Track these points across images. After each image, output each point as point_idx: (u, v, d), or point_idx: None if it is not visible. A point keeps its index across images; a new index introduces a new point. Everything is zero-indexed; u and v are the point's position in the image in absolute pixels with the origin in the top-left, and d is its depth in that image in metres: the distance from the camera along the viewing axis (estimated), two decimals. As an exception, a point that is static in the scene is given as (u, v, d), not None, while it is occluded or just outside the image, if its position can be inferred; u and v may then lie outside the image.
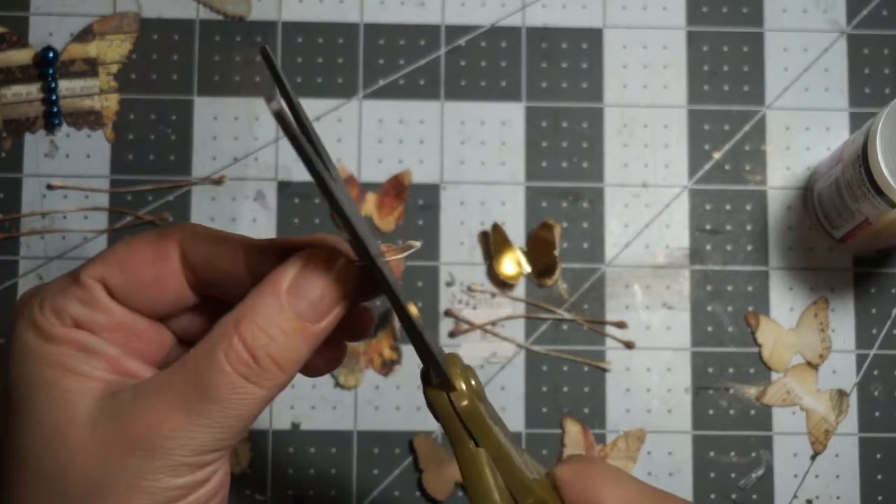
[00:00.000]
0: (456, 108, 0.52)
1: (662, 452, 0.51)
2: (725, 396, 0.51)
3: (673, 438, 0.51)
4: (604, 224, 0.52)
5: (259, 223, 0.51)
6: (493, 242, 0.51)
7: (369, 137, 0.52)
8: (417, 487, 0.50)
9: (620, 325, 0.51)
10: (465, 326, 0.51)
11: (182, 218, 0.51)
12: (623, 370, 0.51)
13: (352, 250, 0.32)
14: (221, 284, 0.33)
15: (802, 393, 0.51)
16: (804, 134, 0.53)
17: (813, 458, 0.51)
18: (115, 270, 0.32)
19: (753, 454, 0.51)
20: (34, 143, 0.52)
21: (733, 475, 0.51)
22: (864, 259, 0.52)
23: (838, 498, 0.51)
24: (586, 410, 0.51)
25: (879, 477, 0.51)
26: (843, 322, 0.52)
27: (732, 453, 0.51)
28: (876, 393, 0.51)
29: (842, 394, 0.51)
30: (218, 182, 0.52)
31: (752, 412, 0.51)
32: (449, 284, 0.51)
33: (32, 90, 0.52)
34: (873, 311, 0.52)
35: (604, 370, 0.51)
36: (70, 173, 0.52)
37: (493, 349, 0.51)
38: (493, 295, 0.51)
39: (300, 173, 0.52)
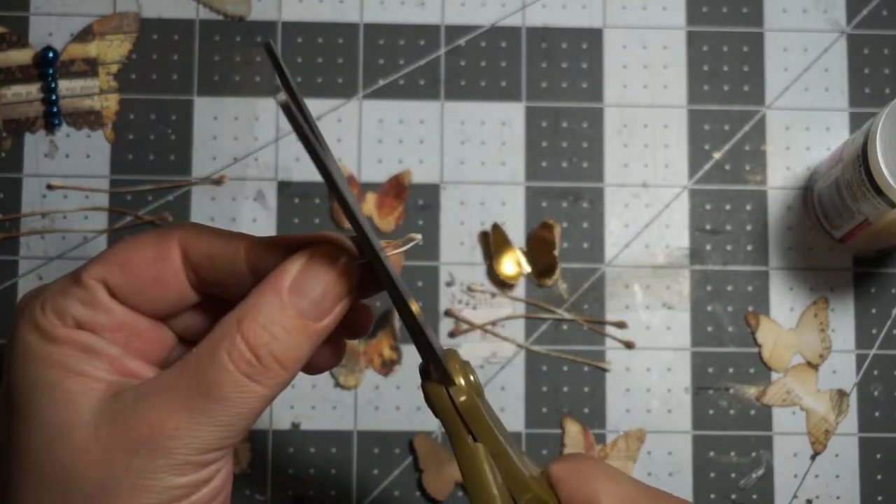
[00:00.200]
0: (456, 108, 0.52)
1: (662, 452, 0.51)
2: (725, 396, 0.51)
3: (673, 438, 0.51)
4: (604, 224, 0.52)
5: (259, 223, 0.51)
6: (493, 242, 0.51)
7: (369, 137, 0.52)
8: (417, 487, 0.50)
9: (620, 325, 0.51)
10: (465, 326, 0.51)
11: (182, 218, 0.51)
12: (623, 370, 0.51)
13: (353, 247, 0.32)
14: (223, 283, 0.33)
15: (802, 393, 0.51)
16: (804, 134, 0.53)
17: (813, 458, 0.51)
18: (115, 270, 0.32)
19: (753, 454, 0.51)
20: (34, 143, 0.52)
21: (733, 475, 0.51)
22: (864, 259, 0.52)
23: (838, 498, 0.51)
24: (586, 410, 0.51)
25: (879, 477, 0.51)
26: (843, 322, 0.52)
27: (732, 453, 0.51)
28: (876, 393, 0.51)
29: (842, 394, 0.51)
30: (218, 182, 0.52)
31: (752, 412, 0.51)
32: (449, 284, 0.51)
33: (32, 90, 0.52)
34: (873, 311, 0.52)
35: (604, 370, 0.51)
36: (70, 173, 0.52)
37: (493, 349, 0.51)
38: (493, 295, 0.51)
39: (300, 173, 0.52)
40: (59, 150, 0.52)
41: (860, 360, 0.51)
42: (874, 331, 0.51)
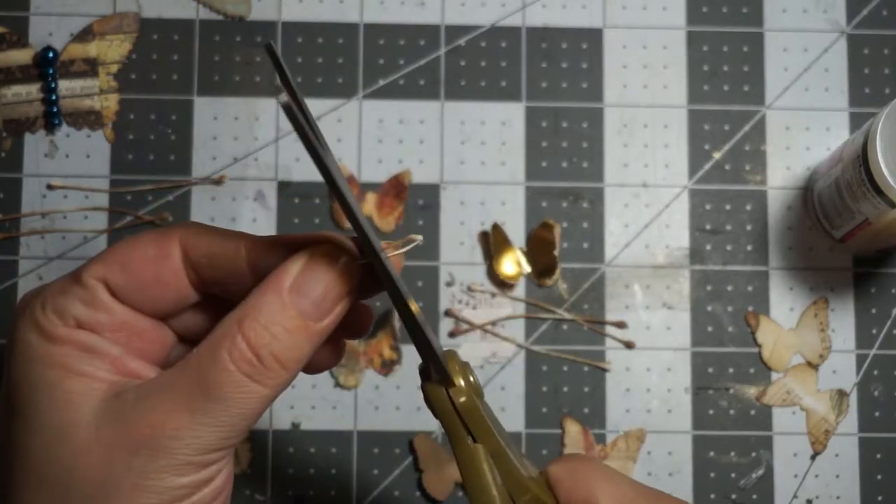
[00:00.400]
0: (456, 108, 0.52)
1: (662, 452, 0.51)
2: (725, 396, 0.51)
3: (673, 438, 0.51)
4: (604, 224, 0.52)
5: (259, 223, 0.51)
6: (493, 242, 0.51)
7: (369, 137, 0.52)
8: (417, 487, 0.50)
9: (620, 325, 0.51)
10: (465, 326, 0.51)
11: (182, 218, 0.51)
12: (623, 370, 0.51)
13: (354, 248, 0.32)
14: (224, 282, 0.33)
15: (802, 393, 0.51)
16: (804, 134, 0.53)
17: (813, 458, 0.51)
18: (116, 270, 0.32)
19: (753, 454, 0.51)
20: (34, 143, 0.52)
21: (733, 475, 0.51)
22: (864, 259, 0.52)
23: (838, 498, 0.51)
24: (586, 410, 0.51)
25: (879, 477, 0.51)
26: (843, 322, 0.52)
27: (732, 453, 0.51)
28: (876, 393, 0.51)
29: (842, 394, 0.51)
30: (218, 182, 0.52)
31: (752, 412, 0.51)
32: (449, 284, 0.51)
33: (32, 90, 0.52)
34: (873, 311, 0.52)
35: (604, 370, 0.51)
36: (70, 173, 0.52)
37: (493, 349, 0.51)
38: (493, 295, 0.51)
39: (300, 173, 0.52)
40: (59, 150, 0.52)
41: (860, 360, 0.51)
42: (874, 331, 0.51)
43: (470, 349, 0.51)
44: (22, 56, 0.52)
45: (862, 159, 0.44)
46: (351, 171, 0.52)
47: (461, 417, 0.33)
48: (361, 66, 0.53)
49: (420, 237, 0.32)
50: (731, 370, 0.51)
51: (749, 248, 0.52)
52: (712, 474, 0.51)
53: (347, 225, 0.51)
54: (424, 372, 0.34)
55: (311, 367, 0.35)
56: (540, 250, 0.52)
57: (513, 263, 0.51)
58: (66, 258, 0.51)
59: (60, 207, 0.51)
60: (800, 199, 0.52)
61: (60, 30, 0.52)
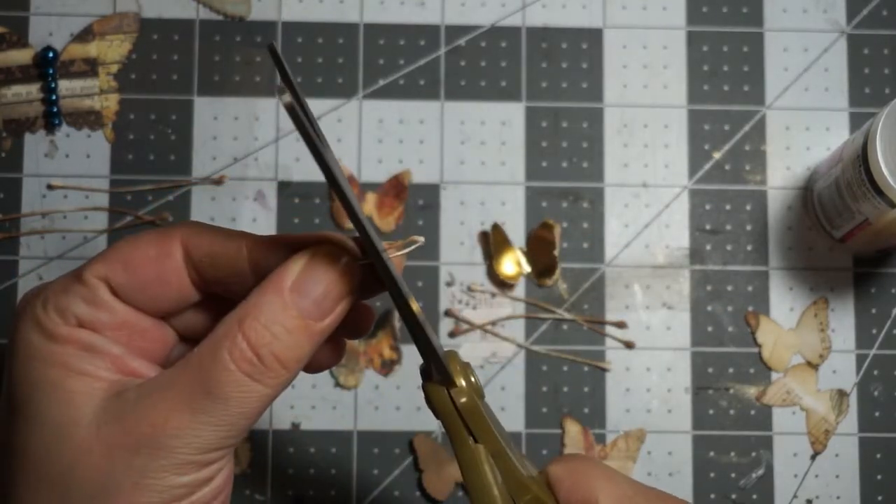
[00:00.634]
0: (456, 108, 0.52)
1: (662, 452, 0.51)
2: (725, 396, 0.51)
3: (673, 438, 0.51)
4: (604, 224, 0.52)
5: (259, 223, 0.51)
6: (493, 242, 0.51)
7: (369, 137, 0.52)
8: (417, 487, 0.50)
9: (620, 325, 0.51)
10: (465, 326, 0.51)
11: (182, 218, 0.51)
12: (623, 370, 0.51)
13: (355, 247, 0.32)
14: (225, 281, 0.33)
15: (802, 393, 0.51)
16: (804, 134, 0.53)
17: (813, 458, 0.51)
18: (118, 269, 0.32)
19: (753, 454, 0.51)
20: (34, 143, 0.52)
21: (733, 475, 0.51)
22: (864, 259, 0.52)
23: (838, 498, 0.51)
24: (586, 410, 0.51)
25: (879, 477, 0.51)
26: (843, 322, 0.52)
27: (732, 453, 0.51)
28: (876, 393, 0.51)
29: (842, 394, 0.51)
30: (218, 182, 0.52)
31: (752, 412, 0.51)
32: (449, 284, 0.51)
33: (32, 90, 0.52)
34: (873, 311, 0.52)
35: (604, 370, 0.51)
36: (70, 173, 0.52)
37: (493, 349, 0.51)
38: (493, 295, 0.51)
39: (300, 173, 0.52)
40: (59, 150, 0.52)
41: (860, 360, 0.51)
42: (874, 331, 0.51)
43: (470, 349, 0.51)
44: (22, 56, 0.52)
45: (862, 159, 0.44)
46: (351, 171, 0.52)
47: (462, 417, 0.33)
48: (361, 66, 0.53)
49: (422, 238, 0.32)
50: (731, 370, 0.51)
51: (749, 248, 0.52)
52: (712, 474, 0.51)
53: (348, 225, 0.51)
54: (425, 372, 0.34)
55: (312, 367, 0.35)
56: (540, 250, 0.51)
57: (513, 263, 0.51)
58: (66, 258, 0.51)
59: (60, 207, 0.51)
60: (800, 199, 0.52)
61: (60, 30, 0.52)
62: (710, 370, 0.51)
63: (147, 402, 0.31)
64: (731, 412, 0.51)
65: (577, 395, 0.51)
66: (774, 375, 0.51)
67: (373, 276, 0.32)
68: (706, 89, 0.53)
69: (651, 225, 0.52)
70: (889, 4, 0.53)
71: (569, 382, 0.51)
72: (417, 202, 0.52)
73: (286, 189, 0.52)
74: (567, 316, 0.51)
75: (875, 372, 0.51)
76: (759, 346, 0.51)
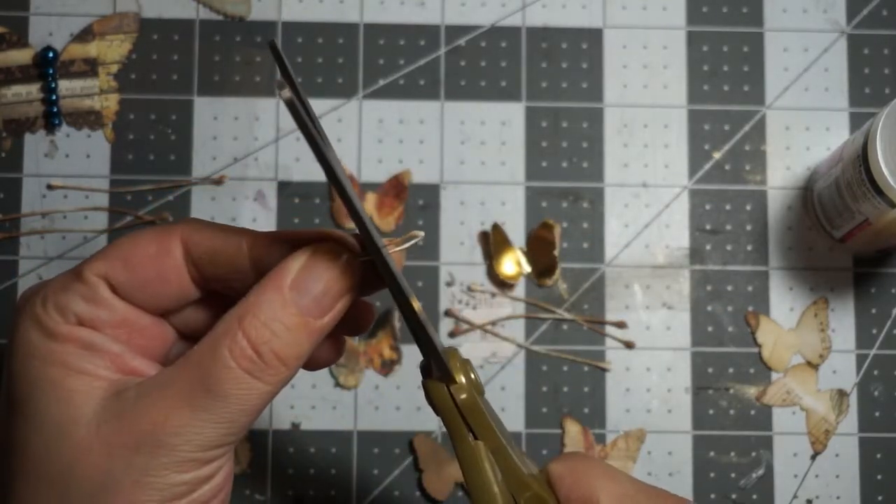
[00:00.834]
0: (456, 108, 0.52)
1: (662, 452, 0.51)
2: (725, 396, 0.51)
3: (673, 438, 0.51)
4: (604, 224, 0.52)
5: (259, 223, 0.51)
6: (493, 242, 0.51)
7: (369, 137, 0.52)
8: (417, 487, 0.50)
9: (620, 325, 0.51)
10: (465, 326, 0.51)
11: (182, 218, 0.51)
12: (623, 370, 0.51)
13: (356, 245, 0.32)
14: (225, 278, 0.33)
15: (802, 393, 0.51)
16: (804, 134, 0.53)
17: (813, 458, 0.51)
18: (118, 266, 0.32)
19: (753, 454, 0.51)
20: (34, 143, 0.52)
21: (733, 475, 0.51)
22: (864, 259, 0.52)
23: (838, 498, 0.51)
24: (586, 410, 0.51)
25: (879, 477, 0.51)
26: (843, 322, 0.52)
27: (732, 453, 0.51)
28: (876, 393, 0.51)
29: (842, 394, 0.51)
30: (218, 182, 0.52)
31: (752, 412, 0.51)
32: (449, 284, 0.51)
33: (32, 90, 0.52)
34: (873, 311, 0.52)
35: (604, 370, 0.51)
36: (70, 173, 0.52)
37: (493, 349, 0.51)
38: (493, 295, 0.51)
39: (300, 173, 0.52)
40: (59, 150, 0.52)
41: (860, 360, 0.51)
42: (874, 331, 0.51)
43: (470, 349, 0.51)
44: (22, 56, 0.52)
45: (862, 159, 0.44)
46: (351, 171, 0.52)
47: (462, 414, 0.33)
48: (361, 66, 0.53)
49: (422, 233, 0.32)
50: (731, 370, 0.51)
51: (749, 248, 0.52)
52: (712, 474, 0.51)
53: (349, 224, 0.51)
54: (426, 369, 0.34)
55: (312, 364, 0.35)
56: (540, 250, 0.51)
57: (513, 263, 0.51)
58: (66, 258, 0.51)
59: (60, 207, 0.51)
60: (800, 199, 0.52)
61: (60, 30, 0.52)
62: (710, 370, 0.51)
63: (147, 401, 0.31)
64: (731, 412, 0.51)
65: (577, 395, 0.51)
66: (774, 375, 0.51)
67: (373, 273, 0.32)
68: (706, 89, 0.53)
69: (651, 225, 0.52)
70: (889, 4, 0.53)
71: (569, 382, 0.51)
72: (417, 202, 0.52)
73: (286, 189, 0.52)
74: (567, 316, 0.51)
75: (875, 372, 0.51)
76: (759, 346, 0.51)
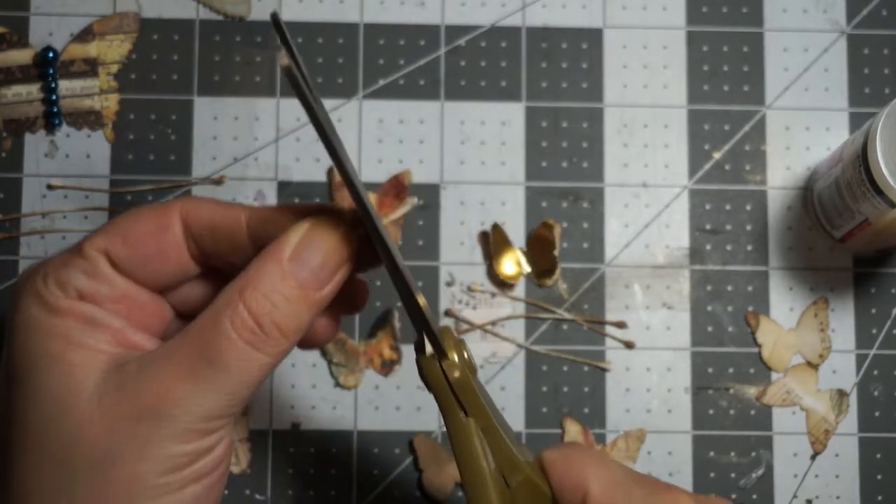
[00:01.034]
0: (456, 108, 0.52)
1: (662, 452, 0.51)
2: (725, 396, 0.51)
3: (673, 438, 0.51)
4: (604, 224, 0.52)
5: (259, 223, 0.51)
6: (493, 242, 0.51)
7: (369, 137, 0.52)
8: (417, 487, 0.50)
9: (620, 325, 0.51)
10: (465, 326, 0.51)
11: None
12: (623, 370, 0.51)
13: (353, 218, 0.33)
14: (224, 254, 0.34)
15: (802, 393, 0.51)
16: (804, 134, 0.53)
17: (813, 457, 0.51)
18: (118, 242, 0.33)
19: (753, 454, 0.51)
20: (34, 143, 0.52)
21: (733, 475, 0.51)
22: (864, 259, 0.52)
23: (838, 498, 0.51)
24: (586, 410, 0.51)
25: (879, 477, 0.51)
26: (843, 322, 0.52)
27: (732, 453, 0.51)
28: (876, 393, 0.51)
29: (842, 394, 0.51)
30: (218, 182, 0.52)
31: (752, 412, 0.51)
32: (449, 284, 0.51)
33: (32, 90, 0.52)
34: (873, 311, 0.52)
35: (604, 370, 0.51)
36: (70, 173, 0.52)
37: (493, 349, 0.51)
38: (493, 295, 0.51)
39: (300, 173, 0.52)
40: (59, 150, 0.52)
41: (860, 359, 0.51)
42: (874, 331, 0.51)
43: (470, 349, 0.51)
44: (22, 56, 0.52)
45: (862, 159, 0.44)
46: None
47: (454, 391, 0.33)
48: (361, 66, 0.53)
49: (415, 198, 0.33)
50: (731, 370, 0.51)
51: (749, 248, 0.52)
52: (712, 474, 0.51)
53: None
54: (419, 345, 0.34)
55: (308, 342, 0.36)
56: (540, 250, 0.52)
57: (513, 263, 0.51)
58: (66, 258, 0.51)
59: (60, 207, 0.51)
60: (800, 199, 0.52)
61: (60, 30, 0.52)
62: (710, 370, 0.51)
63: (148, 373, 0.31)
64: (731, 412, 0.51)
65: (577, 395, 0.51)
66: (774, 375, 0.51)
67: (369, 248, 0.32)
68: (706, 89, 0.53)
69: (651, 225, 0.52)
70: (889, 4, 0.53)
71: (569, 382, 0.51)
72: (417, 202, 0.52)
73: (286, 189, 0.52)
74: (567, 316, 0.51)
75: (875, 372, 0.51)
76: (759, 346, 0.51)
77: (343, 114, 0.52)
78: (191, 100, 0.52)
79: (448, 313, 0.51)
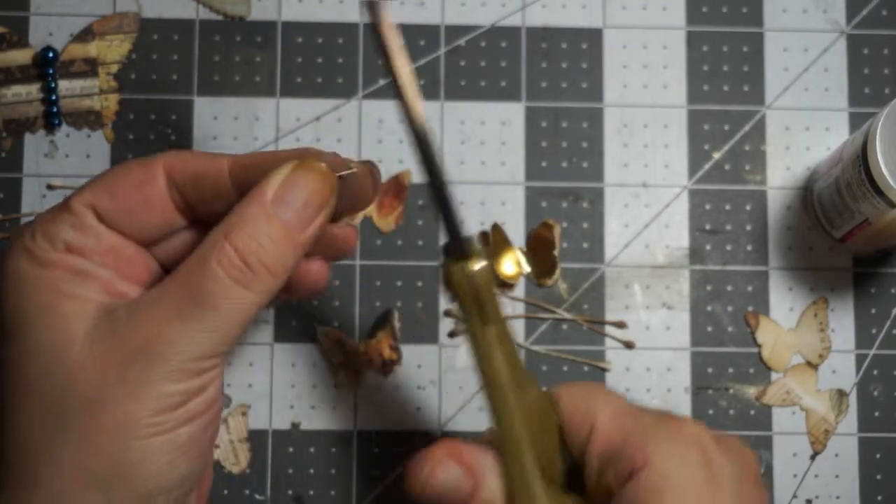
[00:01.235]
0: (456, 108, 0.52)
1: (662, 452, 0.51)
2: (725, 396, 0.51)
3: (673, 438, 0.51)
4: (604, 224, 0.52)
5: (259, 223, 0.51)
6: (493, 242, 0.51)
7: (369, 137, 0.52)
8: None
9: (620, 325, 0.51)
10: (465, 327, 0.51)
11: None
12: (623, 370, 0.51)
13: (334, 161, 0.34)
14: (208, 202, 0.34)
15: (802, 393, 0.51)
16: (804, 134, 0.53)
17: (812, 457, 0.51)
18: (104, 196, 0.33)
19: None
20: (34, 143, 0.52)
21: (733, 475, 0.51)
22: (864, 259, 0.52)
23: (838, 498, 0.51)
24: (586, 410, 0.51)
25: (879, 477, 0.51)
26: (842, 322, 0.52)
27: (732, 453, 0.51)
28: (876, 393, 0.51)
29: (841, 394, 0.51)
30: (218, 182, 0.52)
31: (752, 412, 0.51)
32: (449, 284, 0.51)
33: (32, 90, 0.52)
34: (873, 311, 0.52)
35: (604, 370, 0.51)
36: (70, 173, 0.52)
37: (493, 349, 0.51)
38: (493, 295, 0.51)
39: (300, 173, 0.52)
40: (59, 150, 0.52)
41: (860, 360, 0.51)
42: (874, 331, 0.51)
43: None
44: (22, 56, 0.52)
45: (862, 159, 0.44)
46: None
47: (477, 298, 0.34)
48: (361, 66, 0.53)
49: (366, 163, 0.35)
50: (730, 370, 0.51)
51: (749, 248, 0.52)
52: (712, 474, 0.51)
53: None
54: (447, 249, 0.34)
55: (304, 288, 0.37)
56: (540, 250, 0.52)
57: (513, 263, 0.51)
58: (66, 258, 0.51)
59: (60, 207, 0.51)
60: (800, 199, 0.52)
61: (60, 30, 0.52)
62: (710, 370, 0.51)
63: (138, 316, 0.32)
64: (731, 412, 0.51)
65: (576, 395, 0.51)
66: (774, 375, 0.51)
67: (350, 192, 0.34)
68: (706, 89, 0.53)
69: (651, 225, 0.52)
70: (889, 4, 0.53)
71: (569, 382, 0.51)
72: (417, 202, 0.52)
73: (286, 189, 0.52)
74: (567, 316, 0.51)
75: (875, 372, 0.51)
76: (758, 346, 0.51)
77: (343, 114, 0.52)
78: (191, 100, 0.52)
79: (448, 313, 0.51)
